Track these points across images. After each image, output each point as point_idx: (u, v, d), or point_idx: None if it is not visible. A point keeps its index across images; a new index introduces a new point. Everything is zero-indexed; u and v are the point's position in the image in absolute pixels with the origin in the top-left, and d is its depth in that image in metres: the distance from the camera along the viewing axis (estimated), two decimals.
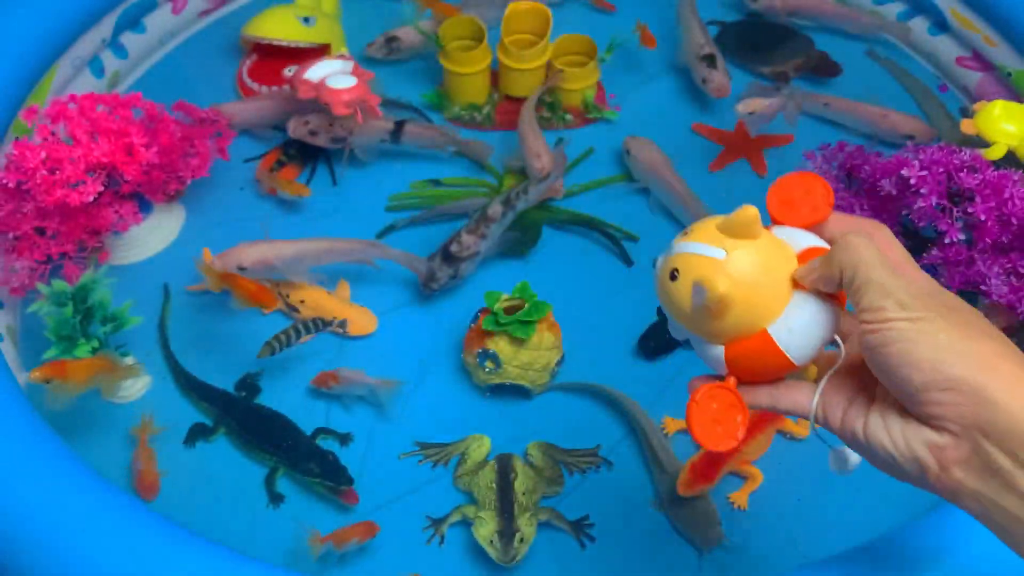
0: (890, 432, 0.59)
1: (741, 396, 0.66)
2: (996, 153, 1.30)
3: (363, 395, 1.24)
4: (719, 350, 0.66)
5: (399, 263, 1.35)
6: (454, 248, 1.31)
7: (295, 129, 1.46)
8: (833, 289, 0.63)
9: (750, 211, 0.63)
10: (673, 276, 0.66)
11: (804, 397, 0.66)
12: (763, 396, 0.67)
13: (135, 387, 1.25)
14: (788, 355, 0.64)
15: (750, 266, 0.64)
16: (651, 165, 1.45)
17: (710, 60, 1.57)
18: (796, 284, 0.65)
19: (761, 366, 0.66)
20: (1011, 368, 0.55)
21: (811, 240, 0.66)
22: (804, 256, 0.65)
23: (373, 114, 1.40)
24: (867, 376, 0.62)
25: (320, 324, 1.23)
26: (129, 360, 1.25)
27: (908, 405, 0.58)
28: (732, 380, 0.67)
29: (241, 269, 1.25)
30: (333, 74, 1.40)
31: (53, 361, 1.11)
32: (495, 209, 1.33)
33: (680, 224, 1.44)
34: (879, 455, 0.60)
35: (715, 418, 0.66)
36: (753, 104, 1.46)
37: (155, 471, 1.16)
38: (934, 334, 0.56)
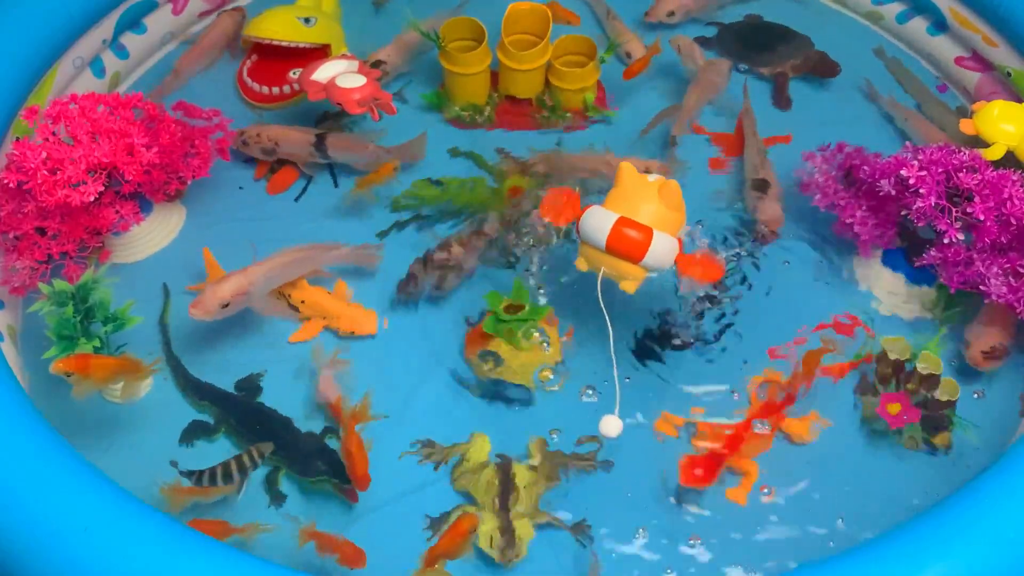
0: None
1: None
2: (995, 153, 1.30)
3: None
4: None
5: (351, 262, 1.32)
6: (440, 256, 1.27)
7: (236, 140, 1.47)
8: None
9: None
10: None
11: None
12: None
13: (137, 388, 1.25)
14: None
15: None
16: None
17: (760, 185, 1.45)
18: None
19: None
20: None
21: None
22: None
23: (389, 111, 1.40)
24: None
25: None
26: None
27: None
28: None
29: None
30: (340, 74, 1.39)
31: (77, 355, 1.11)
32: (492, 227, 1.29)
33: None
34: None
35: None
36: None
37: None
38: None
